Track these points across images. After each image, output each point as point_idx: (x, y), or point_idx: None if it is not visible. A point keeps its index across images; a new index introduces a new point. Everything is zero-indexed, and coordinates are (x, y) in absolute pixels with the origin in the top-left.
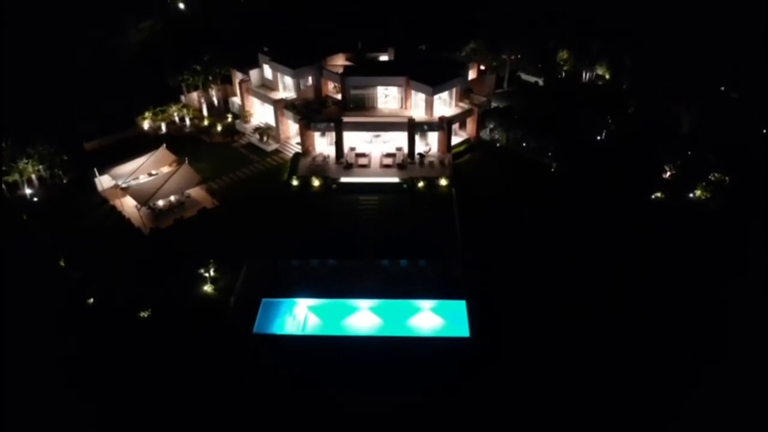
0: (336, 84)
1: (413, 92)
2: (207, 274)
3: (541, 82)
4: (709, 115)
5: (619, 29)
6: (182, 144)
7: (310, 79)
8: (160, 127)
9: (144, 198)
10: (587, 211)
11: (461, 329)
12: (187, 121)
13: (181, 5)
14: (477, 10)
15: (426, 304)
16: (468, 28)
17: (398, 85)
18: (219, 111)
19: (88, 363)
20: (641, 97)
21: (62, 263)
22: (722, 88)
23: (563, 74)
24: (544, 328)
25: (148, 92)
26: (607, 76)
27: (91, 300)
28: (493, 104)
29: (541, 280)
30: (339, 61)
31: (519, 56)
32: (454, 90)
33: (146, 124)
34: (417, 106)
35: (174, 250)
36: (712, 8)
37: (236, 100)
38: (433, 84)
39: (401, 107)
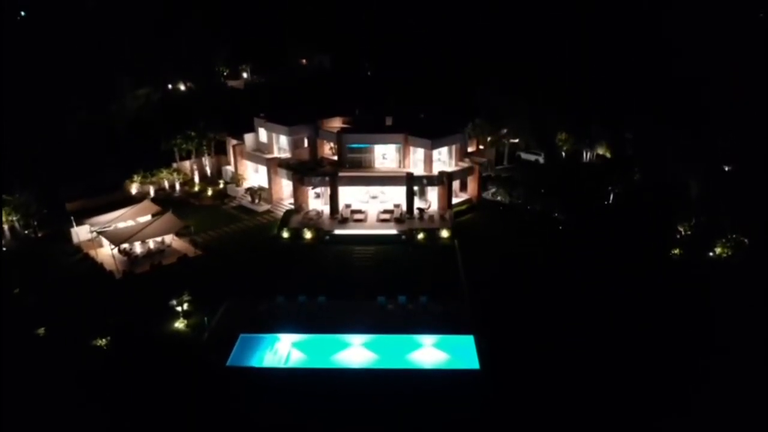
0: (332, 145)
1: (412, 149)
2: (179, 308)
3: (541, 159)
4: (715, 184)
5: (619, 106)
6: (170, 205)
7: (305, 141)
8: (148, 192)
9: (120, 240)
10: (600, 263)
11: (470, 363)
12: (177, 186)
13: (182, 87)
14: (477, 86)
15: (428, 340)
16: (468, 106)
17: (396, 143)
18: (211, 180)
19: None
20: (646, 164)
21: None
22: (726, 168)
23: (563, 154)
24: (560, 361)
25: (140, 157)
26: (608, 155)
27: (42, 330)
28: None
29: (553, 319)
30: (336, 124)
31: (518, 139)
32: (453, 148)
33: (134, 188)
34: (416, 166)
35: (144, 286)
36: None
37: (229, 168)
38: (432, 137)
39: (399, 166)
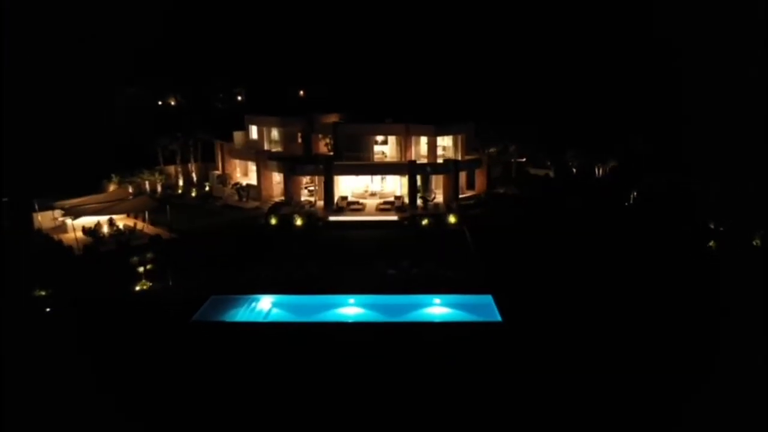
0: (328, 140)
1: (414, 141)
2: (141, 268)
3: (551, 173)
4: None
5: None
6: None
7: (299, 137)
8: (128, 192)
9: (85, 213)
10: (625, 246)
11: (490, 317)
12: (159, 188)
13: (172, 102)
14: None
15: (439, 300)
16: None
17: (397, 134)
18: (197, 185)
19: None
20: (663, 166)
21: None
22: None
23: (574, 171)
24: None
25: (120, 159)
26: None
27: None
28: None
29: (575, 286)
30: (332, 119)
31: (524, 158)
32: (459, 139)
33: (111, 189)
34: (418, 160)
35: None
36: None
37: (216, 173)
38: (436, 124)
39: (400, 159)
